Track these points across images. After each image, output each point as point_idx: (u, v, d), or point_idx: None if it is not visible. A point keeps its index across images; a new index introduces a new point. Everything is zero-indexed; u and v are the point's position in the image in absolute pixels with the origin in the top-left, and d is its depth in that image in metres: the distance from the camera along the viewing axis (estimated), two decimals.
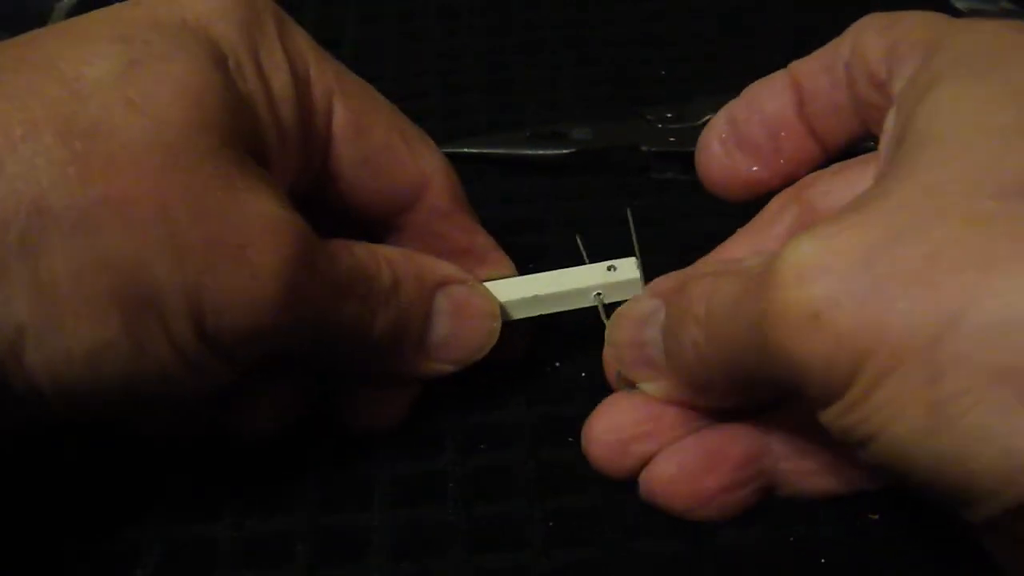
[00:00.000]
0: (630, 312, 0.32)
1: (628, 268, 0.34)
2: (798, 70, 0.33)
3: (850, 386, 0.23)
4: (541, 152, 0.46)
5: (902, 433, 0.23)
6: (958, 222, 0.22)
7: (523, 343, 0.36)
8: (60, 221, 0.24)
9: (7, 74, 0.26)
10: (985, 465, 0.21)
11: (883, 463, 0.24)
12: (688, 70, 0.53)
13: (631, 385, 0.32)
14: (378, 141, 0.32)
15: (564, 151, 0.46)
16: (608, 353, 0.33)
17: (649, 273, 0.34)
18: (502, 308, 0.33)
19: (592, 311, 0.34)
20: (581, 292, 0.34)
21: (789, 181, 0.33)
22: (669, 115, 0.48)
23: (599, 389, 0.34)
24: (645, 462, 0.31)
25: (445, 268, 0.32)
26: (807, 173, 0.33)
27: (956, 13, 0.57)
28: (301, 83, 0.30)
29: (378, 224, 0.34)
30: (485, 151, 0.47)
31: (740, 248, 0.33)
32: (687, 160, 0.46)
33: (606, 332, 0.32)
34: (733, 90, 0.49)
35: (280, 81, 0.30)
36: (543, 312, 0.34)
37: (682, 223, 0.42)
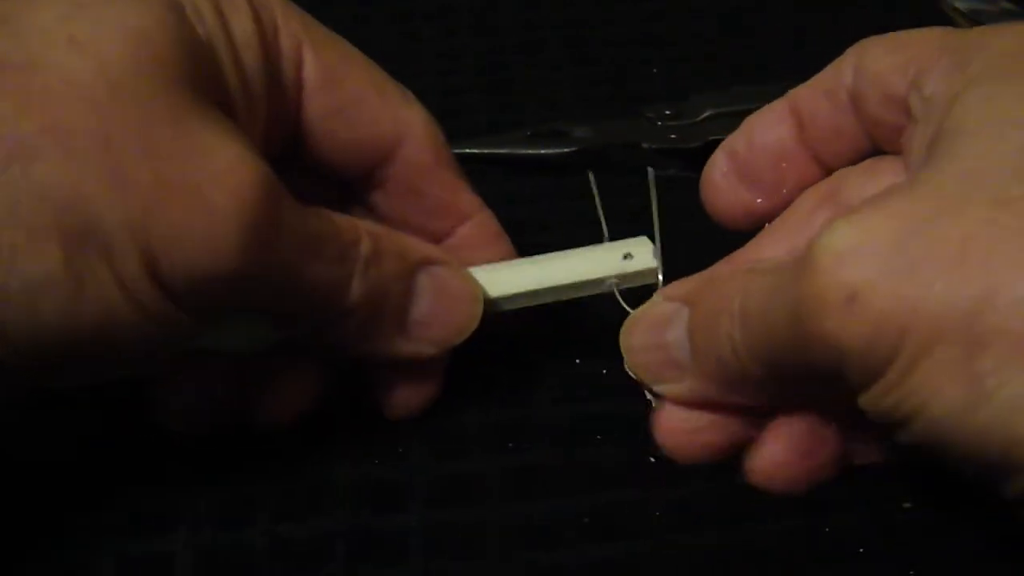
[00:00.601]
0: (647, 317, 0.32)
1: (644, 255, 0.33)
2: (796, 97, 0.33)
3: (889, 366, 0.24)
4: (543, 151, 0.46)
5: (943, 409, 0.23)
6: (991, 205, 0.23)
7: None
8: None
9: None
10: None
11: (924, 441, 0.24)
12: (688, 70, 0.53)
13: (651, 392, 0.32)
14: (351, 91, 0.32)
15: (566, 150, 0.46)
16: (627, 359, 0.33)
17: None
18: (512, 296, 0.33)
19: (605, 304, 0.33)
20: (595, 282, 0.33)
21: None
22: (668, 112, 0.48)
23: (622, 386, 0.34)
24: (712, 449, 0.32)
25: (428, 248, 0.32)
26: None
27: (946, 18, 0.57)
28: (266, 30, 0.30)
29: (357, 182, 0.34)
30: (486, 151, 0.47)
31: (772, 248, 0.33)
32: (688, 157, 0.46)
33: (620, 339, 0.32)
34: (732, 89, 0.49)
35: (242, 26, 0.29)
36: (547, 301, 0.34)
37: (684, 219, 0.42)
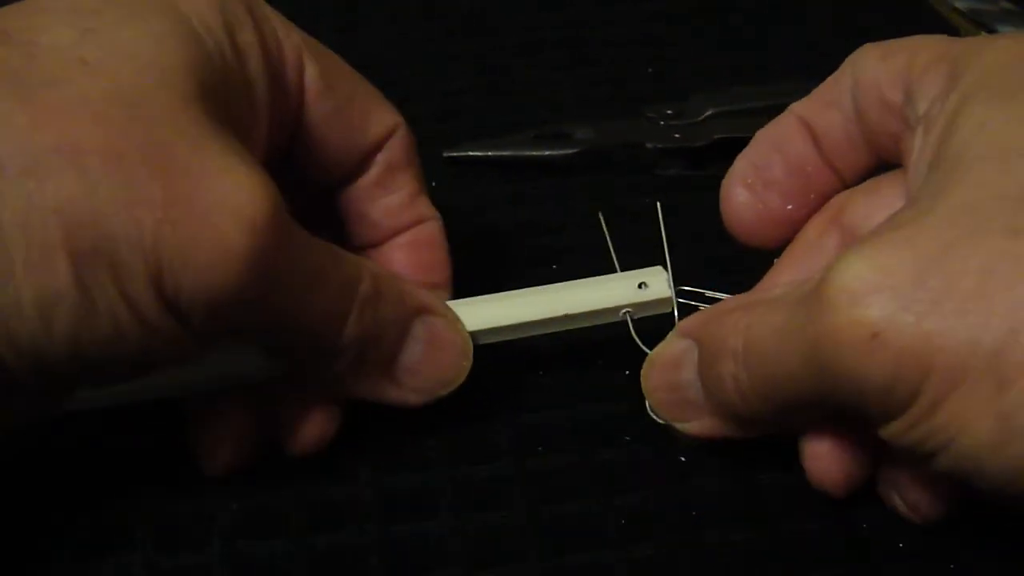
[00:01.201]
0: (661, 357, 0.32)
1: (659, 284, 0.33)
2: (801, 111, 0.33)
3: (913, 403, 0.24)
4: (547, 153, 0.46)
5: (971, 444, 0.23)
6: (1004, 235, 0.23)
7: None
8: (7, 167, 0.24)
9: None
10: None
11: (952, 473, 0.24)
12: (687, 70, 0.54)
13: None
14: (345, 95, 0.33)
15: (570, 151, 0.46)
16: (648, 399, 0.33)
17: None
18: (527, 324, 0.33)
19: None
20: (610, 311, 0.33)
21: None
22: (669, 112, 0.48)
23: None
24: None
25: (426, 296, 0.32)
26: None
27: (945, 19, 0.57)
28: (268, 40, 0.30)
29: (331, 185, 0.34)
30: (489, 153, 0.47)
31: (786, 277, 0.32)
32: (692, 156, 0.46)
33: (641, 380, 0.32)
34: (733, 89, 0.50)
35: (246, 37, 0.29)
36: (561, 329, 0.34)
37: (691, 219, 0.42)
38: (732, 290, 0.34)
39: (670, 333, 0.32)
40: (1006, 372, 0.22)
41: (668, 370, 0.32)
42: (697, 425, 0.31)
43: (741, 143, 0.34)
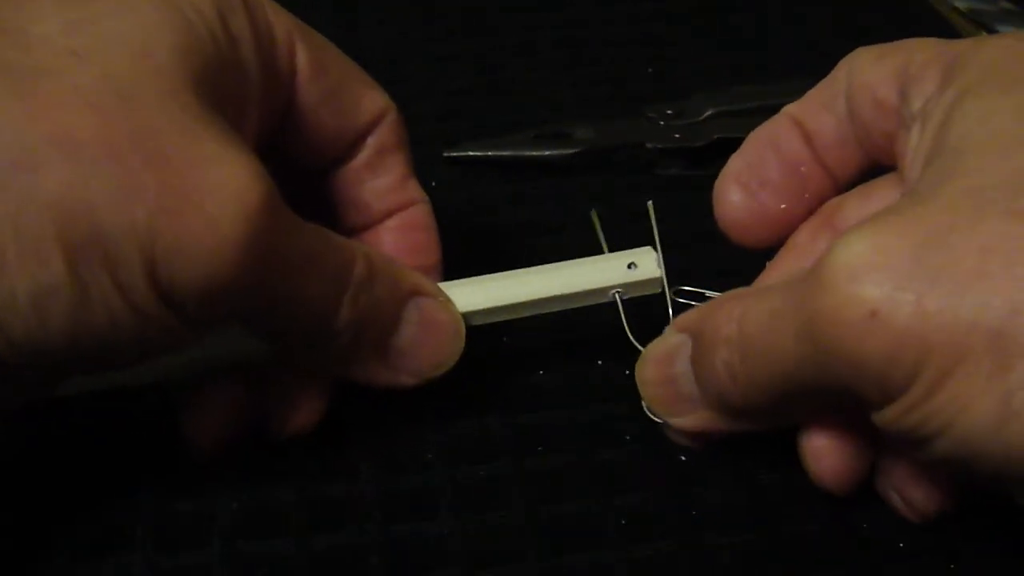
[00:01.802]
0: (655, 351, 0.32)
1: (648, 264, 0.33)
2: (795, 112, 0.33)
3: (912, 384, 0.23)
4: (548, 153, 0.46)
5: (971, 425, 0.23)
6: (1004, 217, 0.23)
7: None
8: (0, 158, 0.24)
9: None
10: None
11: (949, 458, 0.24)
12: (686, 69, 0.54)
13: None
14: (336, 78, 0.33)
15: (570, 151, 0.46)
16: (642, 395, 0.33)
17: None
18: (518, 304, 0.33)
19: (626, 306, 0.34)
20: (600, 291, 0.33)
21: None
22: (670, 112, 0.48)
23: None
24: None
25: (419, 279, 0.32)
26: None
27: (945, 19, 0.57)
28: (259, 23, 0.30)
29: (321, 168, 0.34)
30: (490, 153, 0.47)
31: (777, 279, 0.32)
32: (692, 156, 0.46)
33: (636, 376, 0.32)
34: (733, 89, 0.50)
35: (238, 22, 0.29)
36: (553, 310, 0.34)
37: (691, 218, 0.42)
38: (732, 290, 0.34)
39: (665, 329, 0.32)
40: (1007, 352, 0.22)
41: (662, 364, 0.32)
42: (691, 419, 0.31)
43: (741, 143, 0.34)
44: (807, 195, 0.33)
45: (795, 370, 0.26)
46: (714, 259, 0.38)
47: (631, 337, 0.33)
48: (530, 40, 0.56)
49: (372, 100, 0.34)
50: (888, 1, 0.59)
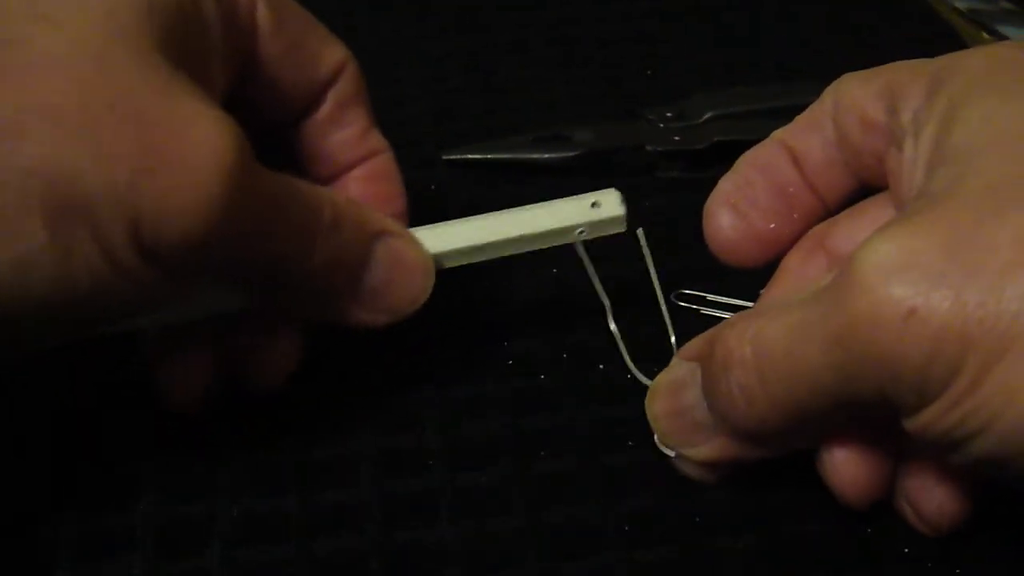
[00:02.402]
0: (663, 383, 0.32)
1: (611, 203, 0.33)
2: (784, 136, 0.33)
3: (953, 381, 0.23)
4: (547, 156, 0.46)
5: (1016, 420, 0.23)
6: None
7: None
8: None
9: None
10: None
11: (989, 458, 0.24)
12: (682, 69, 0.53)
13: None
14: (295, 32, 0.33)
15: (570, 154, 0.46)
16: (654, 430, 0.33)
17: (660, 271, 0.34)
18: (482, 246, 0.33)
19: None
20: (564, 231, 0.34)
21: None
22: (669, 114, 0.48)
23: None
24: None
25: (385, 220, 0.33)
26: None
27: (945, 20, 0.57)
28: None
29: (284, 122, 0.35)
30: (489, 156, 0.47)
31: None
32: (692, 158, 0.46)
33: (647, 412, 0.32)
34: (732, 90, 0.49)
35: None
36: (520, 251, 0.34)
37: (691, 221, 0.42)
38: (732, 294, 0.34)
39: (672, 360, 0.32)
40: None
41: (671, 396, 0.32)
42: (707, 449, 0.31)
43: (741, 146, 0.34)
44: (796, 215, 0.33)
45: (822, 383, 0.26)
46: (714, 262, 0.38)
47: (638, 374, 0.34)
48: (523, 38, 0.56)
49: (331, 53, 0.34)
50: (887, 2, 0.58)
